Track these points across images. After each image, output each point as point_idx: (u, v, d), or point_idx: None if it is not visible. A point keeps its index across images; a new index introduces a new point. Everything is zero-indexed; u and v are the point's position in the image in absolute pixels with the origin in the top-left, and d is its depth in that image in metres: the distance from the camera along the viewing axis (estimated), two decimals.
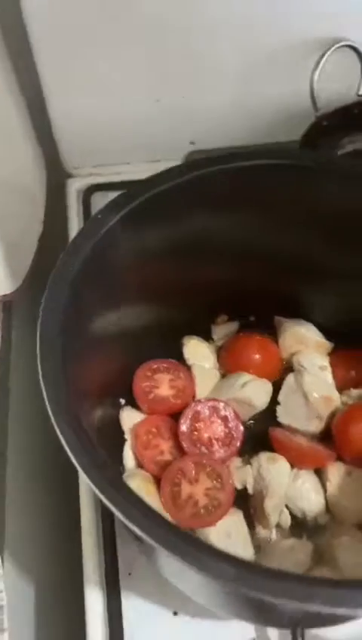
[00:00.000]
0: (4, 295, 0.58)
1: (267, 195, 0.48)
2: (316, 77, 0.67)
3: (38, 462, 0.62)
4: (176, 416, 0.51)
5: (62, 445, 0.32)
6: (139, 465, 0.49)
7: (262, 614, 0.39)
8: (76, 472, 0.49)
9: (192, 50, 0.64)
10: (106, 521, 0.49)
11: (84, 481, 0.51)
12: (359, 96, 0.70)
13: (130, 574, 0.48)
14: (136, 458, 0.49)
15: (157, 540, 0.27)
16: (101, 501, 0.48)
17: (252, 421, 0.54)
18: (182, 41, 0.63)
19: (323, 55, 0.66)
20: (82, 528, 0.50)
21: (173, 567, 0.37)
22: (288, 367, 0.56)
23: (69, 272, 0.39)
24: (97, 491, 0.29)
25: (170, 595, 0.47)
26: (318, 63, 0.66)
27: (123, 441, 0.50)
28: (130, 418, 0.51)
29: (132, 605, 0.46)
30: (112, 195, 0.74)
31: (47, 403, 0.34)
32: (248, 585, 0.26)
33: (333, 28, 0.65)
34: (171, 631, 0.45)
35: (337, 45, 0.66)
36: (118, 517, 0.30)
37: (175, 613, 0.46)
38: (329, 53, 0.66)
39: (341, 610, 0.25)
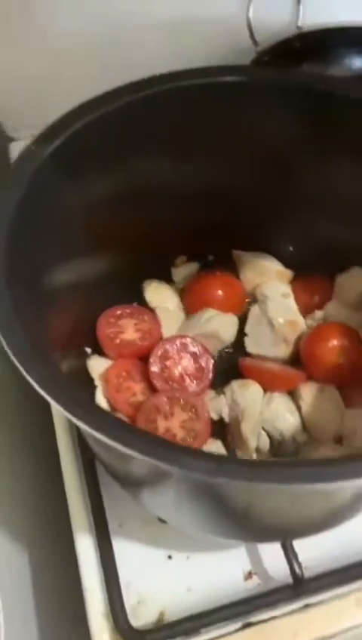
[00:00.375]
0: None
1: (209, 124, 0.47)
2: (251, 11, 0.66)
3: (13, 420, 0.60)
4: (145, 359, 0.51)
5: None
6: (113, 409, 0.48)
7: (248, 527, 0.39)
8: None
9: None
10: (89, 475, 0.48)
11: (63, 437, 0.51)
12: (298, 28, 0.69)
13: (120, 526, 0.47)
14: (110, 403, 0.48)
15: (137, 449, 0.26)
16: (82, 458, 0.49)
17: (222, 354, 0.54)
18: None
19: None
20: (65, 485, 0.49)
21: (154, 484, 0.37)
22: (253, 301, 0.56)
23: (4, 217, 0.36)
24: (64, 410, 0.28)
25: (163, 541, 0.46)
26: None
27: (94, 388, 0.50)
28: (98, 365, 0.50)
29: (125, 554, 0.45)
30: None
31: (9, 351, 0.32)
32: (229, 474, 0.25)
33: None
34: (167, 574, 0.45)
35: None
36: (89, 436, 0.29)
37: (169, 557, 0.46)
38: None
39: (323, 486, 0.25)
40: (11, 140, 0.73)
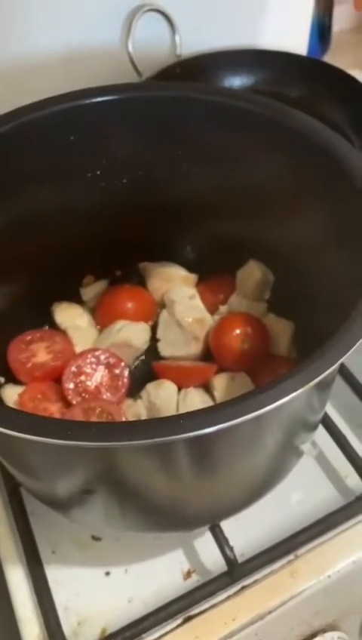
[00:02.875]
0: None
1: (96, 144, 0.49)
2: (130, 44, 0.71)
3: None
4: (60, 380, 0.51)
5: None
6: None
7: (175, 513, 0.39)
8: None
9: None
10: (15, 502, 0.47)
11: None
12: (177, 56, 0.75)
13: (53, 552, 0.46)
14: None
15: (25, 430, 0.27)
16: (6, 487, 0.47)
17: (137, 363, 0.55)
18: None
19: (132, 22, 0.69)
20: None
21: (75, 489, 0.36)
22: (162, 307, 0.58)
23: None
24: None
25: (100, 559, 0.46)
26: (129, 30, 0.70)
27: None
28: (12, 393, 0.50)
29: (61, 578, 0.44)
30: None
31: None
32: (112, 437, 0.26)
33: None
34: (106, 590, 0.44)
35: (143, 10, 0.69)
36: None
37: (107, 574, 0.45)
38: (137, 18, 0.69)
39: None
40: None
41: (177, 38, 0.74)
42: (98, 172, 0.51)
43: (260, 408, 0.27)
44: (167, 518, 0.40)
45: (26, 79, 0.69)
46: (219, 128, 0.49)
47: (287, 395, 0.27)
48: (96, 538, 0.47)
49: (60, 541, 0.47)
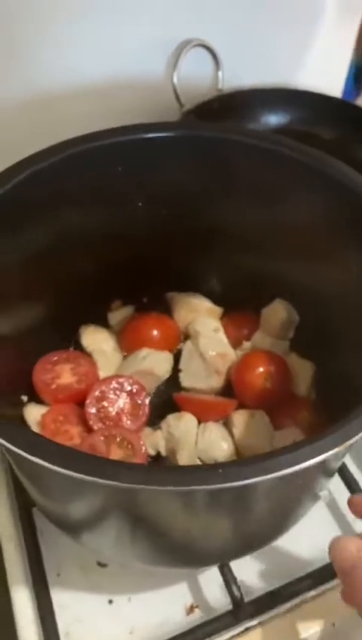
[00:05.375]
0: None
1: (139, 175, 0.50)
2: (175, 77, 0.73)
3: None
4: (82, 404, 0.51)
5: None
6: None
7: (187, 551, 0.40)
8: None
9: (51, 56, 0.67)
10: (26, 523, 0.48)
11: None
12: (218, 90, 0.77)
13: (58, 575, 0.47)
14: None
15: (60, 464, 0.27)
16: (19, 506, 0.48)
17: (157, 391, 0.55)
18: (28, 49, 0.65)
19: (179, 55, 0.71)
20: (1, 534, 0.48)
21: (91, 515, 0.37)
22: (186, 338, 0.59)
23: None
24: None
25: (103, 586, 0.46)
26: (175, 63, 0.72)
27: None
28: (35, 413, 0.51)
29: (64, 603, 0.45)
30: None
31: None
32: (157, 481, 0.26)
33: (187, 29, 0.70)
34: (108, 619, 0.45)
35: (191, 45, 0.72)
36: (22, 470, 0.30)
37: (110, 602, 0.46)
38: (184, 52, 0.71)
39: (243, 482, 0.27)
40: None
41: (220, 73, 0.77)
42: (139, 203, 0.53)
43: (302, 462, 0.27)
44: (179, 555, 0.40)
45: (72, 104, 0.71)
46: (261, 170, 0.50)
47: (325, 452, 0.28)
48: (101, 564, 0.48)
49: (66, 564, 0.47)
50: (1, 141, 0.67)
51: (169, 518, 0.35)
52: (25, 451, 0.28)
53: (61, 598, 0.45)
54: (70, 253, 0.52)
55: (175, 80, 0.73)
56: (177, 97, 0.74)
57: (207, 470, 0.27)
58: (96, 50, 0.69)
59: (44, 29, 0.64)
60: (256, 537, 0.40)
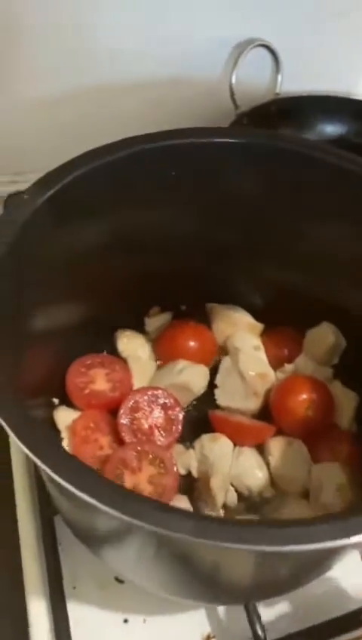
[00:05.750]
0: None
1: (193, 181, 0.48)
2: (234, 77, 0.70)
3: None
4: (113, 411, 0.50)
5: None
6: None
7: (213, 588, 0.38)
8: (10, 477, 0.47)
9: (110, 50, 0.65)
10: (47, 532, 0.46)
11: (21, 488, 0.49)
12: (276, 94, 0.74)
13: (74, 588, 0.45)
14: (75, 455, 0.47)
15: (111, 505, 0.25)
16: (42, 515, 0.47)
17: (191, 407, 0.53)
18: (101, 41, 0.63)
19: (239, 55, 0.69)
20: (21, 542, 0.46)
21: (121, 541, 0.35)
22: (223, 352, 0.57)
23: None
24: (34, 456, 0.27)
25: (120, 603, 0.45)
26: (235, 62, 0.69)
27: (60, 440, 0.48)
28: (65, 417, 0.49)
29: (79, 617, 0.43)
30: None
31: None
32: (208, 535, 0.25)
33: (249, 28, 0.68)
34: (123, 639, 0.43)
35: (252, 45, 0.69)
36: (55, 487, 0.28)
37: (125, 621, 0.44)
38: (245, 52, 0.68)
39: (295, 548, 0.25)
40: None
41: (279, 76, 0.74)
42: (193, 206, 0.51)
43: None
44: (202, 591, 0.39)
45: (126, 99, 0.69)
46: (322, 186, 0.48)
47: None
48: (119, 580, 0.46)
49: (83, 577, 0.46)
50: (54, 137, 0.66)
51: (199, 557, 0.32)
52: (73, 486, 0.26)
53: (76, 613, 0.44)
54: (116, 255, 0.50)
55: (233, 80, 0.70)
56: (233, 98, 0.71)
57: (275, 529, 0.25)
58: (154, 46, 0.66)
59: (100, 22, 0.62)
60: (287, 583, 0.38)
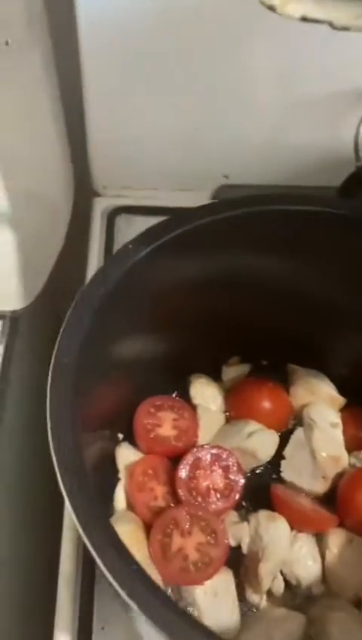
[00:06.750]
0: (14, 311, 0.56)
1: (301, 241, 0.46)
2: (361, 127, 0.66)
3: (24, 488, 0.59)
4: (174, 459, 0.49)
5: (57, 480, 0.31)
6: (130, 507, 0.47)
7: None
8: (61, 508, 0.48)
9: (234, 88, 0.64)
10: (86, 572, 0.46)
11: (71, 526, 0.49)
12: None
13: (103, 629, 0.45)
14: (128, 500, 0.47)
15: (158, 624, 0.25)
16: (84, 551, 0.47)
17: (253, 473, 0.51)
18: (225, 78, 0.62)
19: None
20: (60, 578, 0.46)
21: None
22: (297, 421, 0.54)
23: (93, 300, 0.38)
24: (97, 557, 0.27)
25: None
26: None
27: (117, 480, 0.48)
28: (126, 455, 0.49)
29: None
30: (138, 218, 0.72)
31: (50, 438, 0.33)
32: None
33: None
34: None
35: None
36: (104, 575, 0.28)
37: None
38: None
39: None
40: (96, 194, 0.76)
41: None
42: (296, 262, 0.48)
43: None
44: None
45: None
46: None
47: None
48: None
49: (112, 619, 0.45)
50: (166, 159, 0.65)
51: None
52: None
53: None
54: (215, 297, 0.49)
55: (360, 132, 0.66)
56: (356, 150, 0.67)
57: None
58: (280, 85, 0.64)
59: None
60: None
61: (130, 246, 0.40)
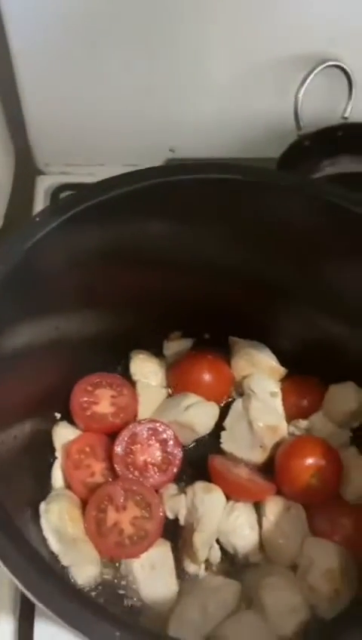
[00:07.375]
0: None
1: (234, 211, 0.46)
2: (301, 95, 0.65)
3: None
4: (113, 435, 0.48)
5: None
6: (68, 486, 0.46)
7: None
8: None
9: (179, 60, 0.62)
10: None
11: None
12: (344, 118, 0.69)
13: None
14: (65, 478, 0.46)
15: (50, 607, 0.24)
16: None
17: (193, 444, 0.51)
18: (171, 46, 0.61)
19: (309, 73, 0.64)
20: None
21: None
22: (238, 392, 0.54)
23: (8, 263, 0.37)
24: None
25: None
26: (304, 80, 0.64)
27: (54, 458, 0.48)
28: (63, 434, 0.49)
29: None
30: None
31: None
32: None
33: (323, 47, 0.63)
34: None
35: (325, 65, 0.63)
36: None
37: None
38: (316, 71, 0.63)
39: None
40: (39, 172, 0.74)
41: (351, 101, 0.68)
42: (239, 238, 0.48)
43: None
44: None
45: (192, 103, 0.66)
46: None
47: None
48: None
49: None
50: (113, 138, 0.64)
51: None
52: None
53: None
54: (143, 269, 0.48)
55: (299, 99, 0.65)
56: (297, 118, 0.66)
57: None
58: (229, 56, 0.63)
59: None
60: None
61: (37, 219, 0.38)
